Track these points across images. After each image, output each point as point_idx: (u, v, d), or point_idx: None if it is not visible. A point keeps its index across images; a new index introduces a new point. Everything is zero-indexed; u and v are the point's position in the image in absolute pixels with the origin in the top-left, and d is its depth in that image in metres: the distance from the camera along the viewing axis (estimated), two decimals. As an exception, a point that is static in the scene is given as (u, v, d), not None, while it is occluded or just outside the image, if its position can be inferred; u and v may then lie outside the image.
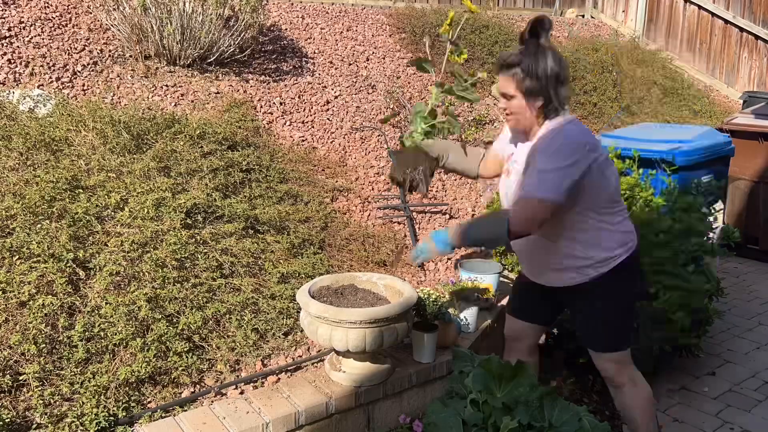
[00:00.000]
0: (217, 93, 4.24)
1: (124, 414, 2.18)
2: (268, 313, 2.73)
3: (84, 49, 4.16)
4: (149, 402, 2.29)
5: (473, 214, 4.22)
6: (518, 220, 2.08)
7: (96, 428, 2.09)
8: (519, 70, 2.07)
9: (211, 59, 4.43)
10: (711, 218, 3.50)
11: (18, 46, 3.92)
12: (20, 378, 2.17)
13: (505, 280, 3.53)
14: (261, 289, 2.84)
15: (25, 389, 2.17)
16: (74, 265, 2.51)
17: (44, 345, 2.25)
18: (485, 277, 3.11)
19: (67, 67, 3.95)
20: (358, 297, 2.47)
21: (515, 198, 2.15)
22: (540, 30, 2.07)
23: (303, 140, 4.24)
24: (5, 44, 3.89)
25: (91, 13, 4.47)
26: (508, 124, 2.27)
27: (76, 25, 4.33)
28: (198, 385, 2.41)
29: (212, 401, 2.32)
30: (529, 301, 2.55)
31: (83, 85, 3.88)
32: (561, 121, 2.12)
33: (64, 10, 4.39)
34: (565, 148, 2.04)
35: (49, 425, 2.07)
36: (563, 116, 2.14)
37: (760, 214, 4.94)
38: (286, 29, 5.45)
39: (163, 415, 2.23)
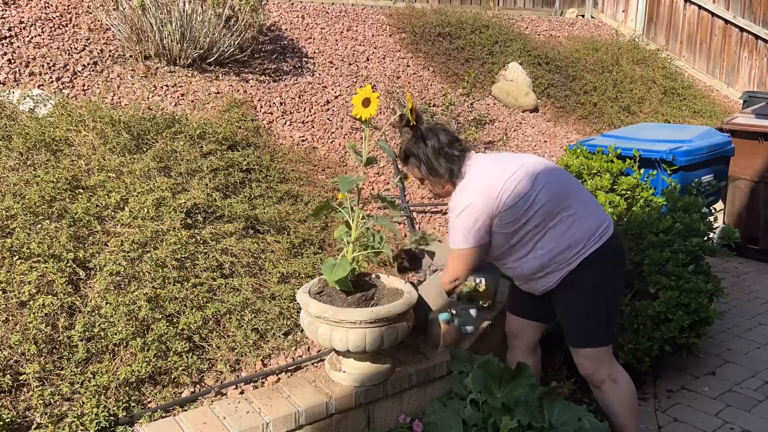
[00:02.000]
0: (217, 93, 4.24)
1: (124, 414, 2.18)
2: (268, 313, 2.73)
3: (84, 49, 4.16)
4: (149, 402, 2.29)
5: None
6: (449, 272, 2.42)
7: (96, 428, 2.09)
8: (412, 159, 2.40)
9: (211, 59, 4.44)
10: (711, 218, 3.50)
11: (18, 46, 3.92)
12: (20, 378, 2.17)
13: (505, 280, 3.52)
14: (261, 289, 2.84)
15: (25, 389, 2.17)
16: (74, 265, 2.51)
17: (44, 345, 2.25)
18: (485, 277, 3.10)
19: (67, 67, 3.95)
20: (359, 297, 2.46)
21: None
22: (403, 124, 2.36)
23: (303, 140, 4.24)
24: (5, 44, 3.89)
25: (91, 13, 4.48)
26: (437, 198, 2.63)
27: (76, 25, 4.34)
28: (198, 385, 2.41)
29: (212, 401, 2.32)
30: (527, 299, 2.57)
31: (83, 85, 3.88)
32: (459, 187, 2.37)
33: (64, 10, 4.39)
34: (458, 204, 2.32)
35: (50, 425, 2.07)
36: (468, 167, 2.36)
37: (760, 214, 4.94)
38: (286, 29, 5.46)
39: (164, 415, 2.23)
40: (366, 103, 2.25)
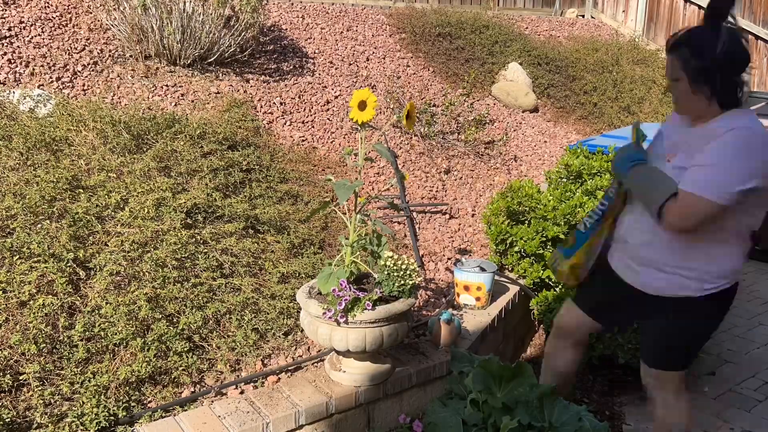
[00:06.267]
0: (218, 93, 4.24)
1: (124, 414, 2.18)
2: (268, 313, 2.73)
3: (84, 49, 4.16)
4: (149, 402, 2.29)
5: (473, 214, 4.22)
6: (675, 211, 1.88)
7: (96, 428, 2.09)
8: (686, 50, 1.85)
9: (212, 59, 4.44)
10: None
11: (18, 46, 3.92)
12: (20, 378, 2.17)
13: (505, 281, 3.53)
14: (261, 289, 2.84)
15: (25, 389, 2.17)
16: (74, 265, 2.51)
17: (44, 345, 2.25)
18: (478, 276, 3.10)
19: (68, 67, 3.95)
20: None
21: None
22: (723, 9, 1.83)
23: (303, 140, 4.24)
24: (5, 44, 3.89)
25: (91, 13, 4.48)
26: (675, 109, 2.04)
27: (77, 25, 4.34)
28: (198, 385, 2.41)
29: (212, 401, 2.32)
30: (604, 298, 2.30)
31: (83, 85, 3.88)
32: (746, 121, 1.87)
33: (64, 10, 4.39)
34: (745, 152, 1.81)
35: (50, 425, 2.07)
36: (746, 114, 1.88)
37: (760, 214, 4.93)
38: (287, 29, 5.46)
39: (164, 414, 2.23)
40: (362, 106, 2.22)
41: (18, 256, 2.46)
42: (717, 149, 1.83)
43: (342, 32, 5.82)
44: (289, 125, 4.33)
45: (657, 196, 1.92)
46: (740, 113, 1.90)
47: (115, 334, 2.36)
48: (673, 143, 2.04)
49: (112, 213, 2.82)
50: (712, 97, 1.88)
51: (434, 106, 5.25)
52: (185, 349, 2.45)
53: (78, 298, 2.44)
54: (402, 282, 2.30)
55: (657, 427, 2.26)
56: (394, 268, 2.29)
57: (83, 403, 2.15)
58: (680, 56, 1.87)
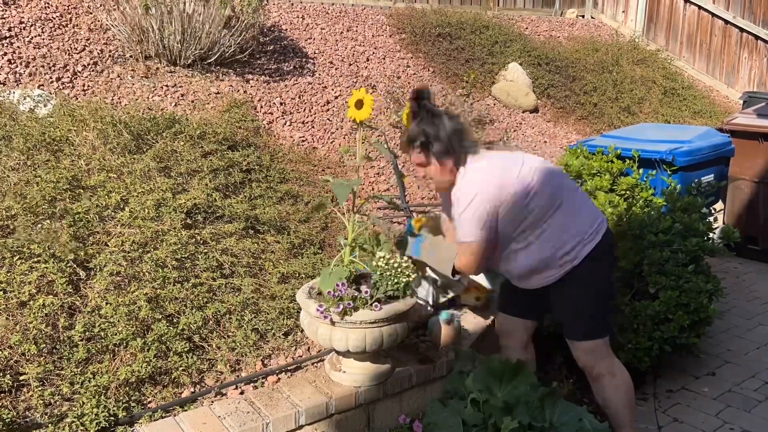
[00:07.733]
0: (218, 93, 4.24)
1: (124, 414, 2.18)
2: (268, 313, 2.73)
3: (84, 49, 4.16)
4: (149, 402, 2.29)
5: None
6: (459, 264, 2.38)
7: (96, 428, 2.09)
8: (424, 139, 2.27)
9: (212, 59, 4.44)
10: (711, 218, 3.49)
11: (18, 46, 3.92)
12: (20, 378, 2.17)
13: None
14: (261, 289, 2.84)
15: (25, 389, 2.17)
16: (74, 265, 2.51)
17: (44, 345, 2.25)
18: (478, 276, 3.10)
19: (68, 67, 3.95)
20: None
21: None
22: (422, 99, 2.29)
23: (303, 140, 4.24)
24: (5, 44, 3.89)
25: (91, 13, 4.48)
26: (436, 190, 2.49)
27: (77, 25, 4.34)
28: (198, 385, 2.41)
29: (212, 401, 2.32)
30: (517, 298, 2.57)
31: (83, 85, 3.89)
32: (466, 168, 2.30)
33: (64, 10, 4.39)
34: (466, 195, 2.25)
35: (50, 425, 2.07)
36: (470, 162, 2.30)
37: (760, 214, 4.93)
38: (287, 29, 5.46)
39: (164, 415, 2.23)
40: (359, 105, 2.27)
41: (18, 256, 2.46)
42: (454, 203, 2.30)
43: (342, 32, 5.82)
44: (289, 125, 4.33)
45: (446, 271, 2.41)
46: (465, 166, 2.30)
47: (115, 334, 2.36)
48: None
49: (113, 213, 2.82)
50: (454, 164, 2.29)
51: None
52: (185, 349, 2.45)
53: (78, 298, 2.44)
54: (396, 280, 2.29)
55: (612, 393, 2.44)
56: (386, 267, 2.29)
57: (83, 403, 2.14)
58: (419, 147, 2.29)
